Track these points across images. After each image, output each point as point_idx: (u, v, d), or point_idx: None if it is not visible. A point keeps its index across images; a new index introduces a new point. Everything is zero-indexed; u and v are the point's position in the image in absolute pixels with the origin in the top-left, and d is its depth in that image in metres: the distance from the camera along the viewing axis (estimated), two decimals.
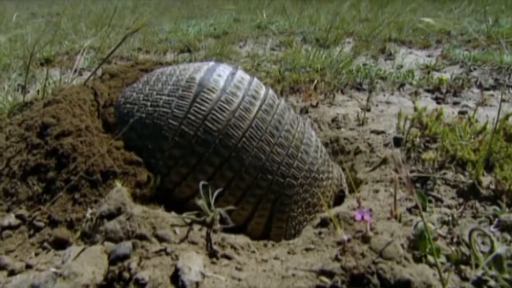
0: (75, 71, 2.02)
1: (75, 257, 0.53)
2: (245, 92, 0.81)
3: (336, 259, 0.58)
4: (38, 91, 1.54)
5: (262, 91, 0.84)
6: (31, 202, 0.76)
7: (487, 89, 1.87)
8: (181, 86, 0.79)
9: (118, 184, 0.70)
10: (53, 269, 0.51)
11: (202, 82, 0.79)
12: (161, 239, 0.62)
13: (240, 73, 0.84)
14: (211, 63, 0.87)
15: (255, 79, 0.85)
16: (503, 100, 1.69)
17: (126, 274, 0.53)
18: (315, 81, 1.79)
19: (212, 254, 0.64)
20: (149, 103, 0.80)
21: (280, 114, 0.84)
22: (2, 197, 0.76)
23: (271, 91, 0.86)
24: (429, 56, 2.68)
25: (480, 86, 1.90)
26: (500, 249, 0.55)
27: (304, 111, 1.51)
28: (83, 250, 0.56)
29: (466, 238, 0.61)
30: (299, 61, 2.28)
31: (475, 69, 2.22)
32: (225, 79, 0.81)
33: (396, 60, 2.47)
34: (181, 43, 3.37)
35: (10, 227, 0.69)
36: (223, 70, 0.83)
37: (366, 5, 5.04)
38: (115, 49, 1.21)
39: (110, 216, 0.62)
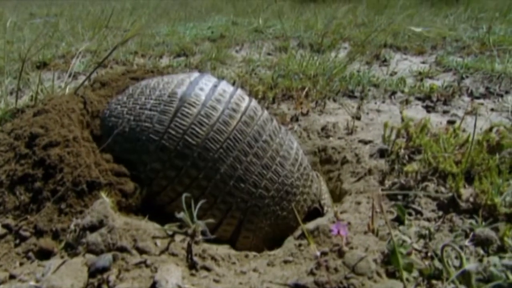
0: (70, 75, 2.04)
1: (55, 270, 0.55)
2: (225, 105, 0.82)
3: (311, 273, 0.59)
4: (31, 97, 1.55)
5: (244, 104, 0.85)
6: (18, 212, 0.77)
7: (478, 98, 1.89)
8: (163, 101, 0.81)
9: (103, 195, 0.72)
10: (32, 283, 0.52)
11: (184, 96, 0.81)
12: (141, 251, 0.63)
13: (222, 86, 0.86)
14: (195, 75, 0.88)
15: (238, 91, 0.87)
16: (492, 110, 1.71)
17: (104, 287, 0.55)
18: (306, 89, 1.80)
19: (191, 265, 0.65)
20: (132, 117, 0.81)
21: (260, 125, 0.85)
22: None
23: (253, 103, 0.87)
24: (423, 62, 2.70)
25: (470, 95, 1.92)
26: (469, 265, 0.57)
27: (294, 119, 1.52)
28: (63, 263, 0.57)
29: (439, 253, 0.62)
30: (292, 67, 2.30)
31: (467, 76, 2.24)
32: (207, 93, 0.83)
33: (390, 67, 2.49)
34: (177, 46, 3.38)
35: None
36: (206, 83, 0.85)
37: (363, 10, 5.07)
38: (106, 57, 1.23)
39: (92, 228, 0.64)
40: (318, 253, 0.59)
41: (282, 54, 2.88)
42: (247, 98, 0.87)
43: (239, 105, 0.84)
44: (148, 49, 3.47)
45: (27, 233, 0.73)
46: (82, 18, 5.66)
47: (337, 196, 1.07)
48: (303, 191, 0.90)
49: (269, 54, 3.16)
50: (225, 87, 0.86)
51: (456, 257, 0.64)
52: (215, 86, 0.85)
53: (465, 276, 0.56)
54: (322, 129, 1.40)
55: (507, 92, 1.93)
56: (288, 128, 1.41)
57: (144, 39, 3.76)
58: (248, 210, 0.83)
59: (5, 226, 0.76)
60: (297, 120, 1.50)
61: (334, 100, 1.81)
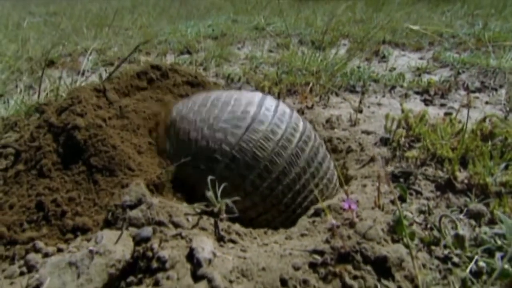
0: (79, 73, 2.11)
1: (107, 239, 0.63)
2: (287, 124, 0.90)
3: (327, 241, 0.68)
4: (51, 91, 1.62)
5: (301, 124, 0.94)
6: (59, 194, 0.86)
7: (473, 92, 1.98)
8: (236, 117, 0.89)
9: (138, 179, 0.80)
10: (91, 247, 0.61)
11: (254, 115, 0.89)
12: (176, 225, 0.72)
13: (282, 107, 0.94)
14: (259, 96, 0.95)
15: (295, 113, 0.95)
16: (486, 102, 1.80)
17: (149, 253, 0.63)
18: (311, 84, 1.89)
19: (219, 238, 0.74)
20: (206, 127, 0.89)
21: (316, 147, 0.94)
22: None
23: (308, 125, 0.96)
24: (421, 58, 2.79)
25: (466, 89, 2.01)
26: (461, 231, 0.66)
27: (300, 112, 1.61)
28: (112, 234, 0.66)
29: (437, 224, 0.71)
30: (295, 64, 2.38)
31: (463, 71, 2.33)
32: (272, 113, 0.90)
33: (389, 63, 2.58)
34: (180, 44, 3.46)
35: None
36: (270, 104, 0.93)
37: (362, 7, 5.15)
38: (131, 53, 1.31)
39: (132, 206, 0.72)
40: (334, 222, 0.68)
41: (284, 51, 2.96)
42: (302, 120, 0.95)
43: (298, 125, 0.92)
44: (151, 47, 3.54)
45: (68, 214, 0.82)
46: (82, 17, 5.71)
47: (344, 182, 1.15)
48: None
49: (270, 51, 3.23)
50: (284, 108, 0.94)
51: (452, 228, 0.73)
52: (277, 106, 0.93)
53: (459, 240, 0.65)
54: (327, 121, 1.48)
55: (501, 86, 2.03)
56: None
57: (146, 37, 3.83)
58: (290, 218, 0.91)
59: (45, 204, 0.84)
60: (302, 113, 1.59)
61: (337, 95, 1.89)
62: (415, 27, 2.79)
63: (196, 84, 1.27)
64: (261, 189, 0.86)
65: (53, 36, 3.97)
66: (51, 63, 2.93)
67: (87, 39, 3.78)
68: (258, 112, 0.90)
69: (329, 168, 0.96)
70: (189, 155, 0.89)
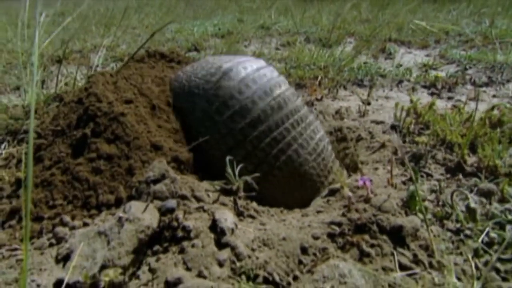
0: (91, 68, 2.15)
1: (135, 208, 0.67)
2: (259, 86, 0.91)
3: (343, 215, 0.71)
4: (66, 84, 1.67)
5: (278, 91, 0.93)
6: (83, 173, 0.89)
7: (480, 86, 2.00)
8: (210, 72, 0.95)
9: (160, 157, 0.83)
10: (120, 214, 0.64)
11: (226, 70, 0.93)
12: (198, 199, 0.75)
13: (265, 70, 0.95)
14: (251, 58, 1.00)
15: (278, 79, 0.95)
16: (494, 96, 1.82)
17: (174, 223, 0.67)
18: (319, 78, 1.92)
19: (239, 213, 0.77)
20: (187, 84, 0.98)
21: (285, 114, 0.91)
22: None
23: (288, 92, 0.94)
24: (427, 55, 2.81)
25: (473, 83, 2.03)
26: (473, 204, 0.69)
27: (310, 104, 1.64)
28: (139, 204, 0.69)
29: (449, 201, 0.74)
30: (303, 59, 2.41)
31: (470, 67, 2.35)
32: (247, 72, 0.93)
33: (396, 60, 2.60)
34: (188, 42, 3.50)
35: None
36: (251, 64, 0.95)
37: (367, 6, 5.17)
38: (143, 45, 1.34)
39: (156, 181, 0.75)
40: (350, 194, 0.71)
41: (291, 49, 2.99)
42: (284, 87, 0.95)
43: (272, 90, 0.92)
44: (159, 45, 3.59)
45: (92, 191, 0.85)
46: (90, 16, 5.78)
47: (354, 169, 1.18)
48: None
49: (277, 49, 3.27)
50: (268, 72, 0.95)
51: (463, 205, 0.75)
52: (258, 68, 0.95)
53: (470, 213, 0.68)
54: (336, 112, 1.51)
55: (508, 81, 2.04)
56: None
57: (154, 35, 3.87)
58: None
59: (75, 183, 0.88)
60: (312, 104, 1.62)
61: (345, 88, 1.92)
62: (422, 23, 2.81)
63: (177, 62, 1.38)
64: (234, 132, 0.89)
65: (63, 35, 4.03)
66: (64, 59, 2.99)
67: (95, 37, 3.84)
68: (230, 69, 0.93)
69: (302, 134, 0.93)
70: (178, 100, 0.99)
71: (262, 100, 0.91)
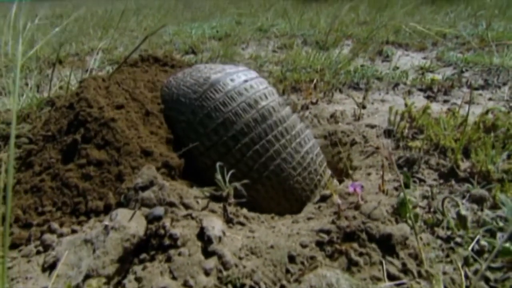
0: (87, 71, 2.15)
1: (121, 216, 0.66)
2: (244, 99, 0.90)
3: (333, 222, 0.70)
4: (60, 88, 1.66)
5: (263, 102, 0.91)
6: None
7: (476, 89, 1.99)
8: (198, 83, 0.95)
9: (149, 164, 0.83)
10: (106, 222, 0.63)
11: (213, 82, 0.93)
12: (187, 207, 0.74)
13: (253, 82, 0.94)
14: (237, 67, 0.99)
15: (267, 90, 0.94)
16: (490, 99, 1.82)
17: (161, 231, 0.66)
18: (315, 81, 1.91)
19: (228, 221, 0.76)
20: (176, 91, 0.98)
21: (269, 125, 0.90)
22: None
23: (274, 103, 0.93)
24: (424, 58, 2.81)
25: (469, 86, 2.03)
26: (464, 211, 0.68)
27: (305, 107, 1.63)
28: (126, 212, 0.68)
29: (441, 207, 0.73)
30: (300, 62, 2.41)
31: (466, 70, 2.35)
32: (234, 84, 0.92)
33: (393, 62, 2.60)
34: (185, 45, 3.50)
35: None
36: (239, 76, 0.95)
37: (365, 8, 5.18)
38: (136, 48, 1.34)
39: (144, 188, 0.75)
40: (339, 201, 0.70)
41: (288, 51, 2.99)
42: (270, 98, 0.93)
43: (257, 102, 0.91)
44: (157, 47, 3.59)
45: (81, 198, 0.85)
46: (87, 19, 5.79)
47: (348, 173, 1.17)
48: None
49: (274, 51, 3.27)
50: (255, 84, 0.94)
51: (455, 212, 0.75)
52: (245, 81, 0.94)
53: (461, 220, 0.67)
54: (331, 116, 1.50)
55: (504, 84, 2.04)
56: (300, 115, 1.51)
57: (151, 38, 3.88)
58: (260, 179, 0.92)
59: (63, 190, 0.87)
60: (307, 108, 1.61)
61: (341, 91, 1.92)
62: (419, 26, 2.81)
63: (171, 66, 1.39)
64: (217, 146, 0.89)
65: (60, 38, 4.03)
66: (59, 62, 2.98)
67: (93, 40, 3.84)
68: (218, 81, 0.93)
69: (287, 147, 0.92)
70: (167, 107, 0.99)
71: (246, 112, 0.90)
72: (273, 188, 0.91)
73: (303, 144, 0.95)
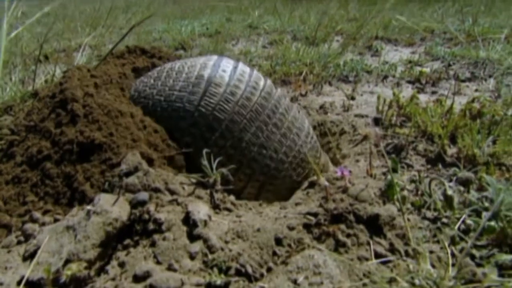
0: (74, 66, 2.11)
1: (104, 201, 0.64)
2: (246, 84, 0.92)
3: (320, 205, 0.70)
4: (46, 81, 1.63)
5: (261, 82, 0.96)
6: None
7: (463, 81, 2.02)
8: (191, 83, 0.91)
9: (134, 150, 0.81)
10: (89, 207, 0.62)
11: (210, 78, 0.91)
12: (172, 192, 0.73)
13: (241, 67, 0.96)
14: (214, 58, 0.97)
15: (255, 72, 0.97)
16: (476, 90, 1.84)
17: (146, 216, 0.64)
18: (304, 73, 1.91)
19: (215, 207, 0.75)
20: (162, 98, 0.91)
21: (277, 100, 0.95)
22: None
23: (269, 82, 0.98)
24: (413, 53, 2.83)
25: (456, 78, 2.05)
26: (450, 191, 0.68)
27: (294, 99, 1.63)
28: (109, 197, 0.67)
29: (428, 190, 0.73)
30: (289, 57, 2.41)
31: (454, 63, 2.38)
32: (229, 74, 0.93)
33: (382, 57, 2.61)
34: (175, 42, 3.47)
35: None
36: (227, 65, 0.95)
37: (354, 6, 5.20)
38: (122, 38, 1.32)
39: (128, 173, 0.73)
40: (326, 183, 0.70)
41: (278, 46, 2.98)
42: (263, 78, 0.97)
43: (258, 83, 0.94)
44: (146, 44, 3.54)
45: (64, 187, 0.82)
46: (76, 17, 5.70)
47: (337, 162, 1.17)
48: (314, 161, 1.00)
49: (264, 47, 3.26)
50: (244, 68, 0.96)
51: (442, 194, 0.75)
52: (235, 67, 0.95)
53: (448, 200, 0.67)
54: (320, 107, 1.50)
55: (490, 76, 2.07)
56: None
57: (141, 35, 3.84)
58: (269, 173, 0.93)
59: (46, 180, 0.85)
60: (296, 100, 1.61)
61: (330, 84, 1.92)
62: (407, 22, 2.83)
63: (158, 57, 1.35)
64: (225, 148, 0.88)
65: (46, 35, 3.96)
66: (45, 58, 2.93)
67: (81, 37, 3.78)
68: (213, 75, 0.92)
69: (296, 118, 0.97)
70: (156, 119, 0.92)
71: (253, 95, 0.92)
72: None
73: (304, 123, 0.99)
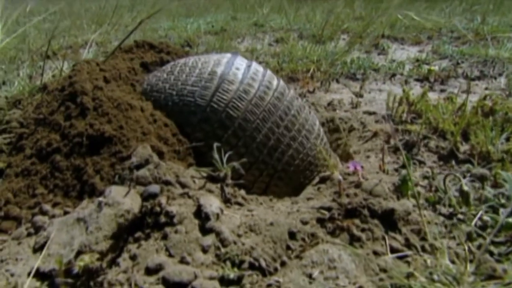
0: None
1: (115, 192, 0.64)
2: (260, 83, 0.92)
3: (333, 200, 0.69)
4: (53, 76, 1.63)
5: (275, 82, 0.95)
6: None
7: (473, 79, 1.99)
8: (204, 78, 0.90)
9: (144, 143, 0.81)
10: (100, 199, 0.61)
11: (223, 75, 0.90)
12: (183, 185, 0.72)
13: (255, 66, 0.95)
14: (228, 56, 0.97)
15: (268, 71, 0.96)
16: (486, 89, 1.82)
17: (157, 208, 0.64)
18: (312, 70, 1.90)
19: (226, 200, 0.74)
20: (174, 93, 0.91)
21: (289, 101, 0.95)
22: None
23: (282, 82, 0.97)
24: (420, 51, 2.81)
25: (466, 77, 2.02)
26: (466, 187, 0.67)
27: (302, 96, 1.62)
28: (121, 189, 0.66)
29: (442, 185, 0.72)
30: (296, 54, 2.39)
31: (462, 62, 2.35)
32: (243, 72, 0.92)
33: (389, 55, 2.59)
34: (181, 39, 3.46)
35: None
36: (240, 63, 0.94)
37: (360, 4, 5.18)
38: (129, 34, 1.31)
39: (139, 166, 0.73)
40: (340, 178, 0.69)
41: (284, 44, 2.97)
42: (276, 78, 0.96)
43: (271, 83, 0.94)
44: (152, 40, 3.54)
45: (74, 179, 0.82)
46: (82, 14, 5.72)
47: (346, 159, 1.16)
48: (323, 164, 0.99)
49: (270, 45, 3.24)
50: (257, 67, 0.95)
51: (456, 190, 0.74)
52: (249, 66, 0.94)
53: (463, 196, 0.66)
54: (329, 104, 1.49)
55: (500, 75, 2.04)
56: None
57: (146, 32, 3.84)
58: (275, 175, 0.92)
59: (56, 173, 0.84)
60: (304, 96, 1.60)
61: (338, 81, 1.91)
62: (415, 17, 2.80)
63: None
64: (237, 147, 0.87)
65: (53, 31, 3.98)
66: (52, 54, 2.93)
67: (87, 34, 3.79)
68: (226, 72, 0.91)
69: (307, 120, 0.96)
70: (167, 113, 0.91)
71: (267, 95, 0.91)
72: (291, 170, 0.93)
73: (315, 125, 0.98)
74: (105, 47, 3.12)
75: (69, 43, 3.32)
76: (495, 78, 2.00)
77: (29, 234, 0.72)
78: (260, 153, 0.90)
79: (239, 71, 0.93)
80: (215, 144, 0.80)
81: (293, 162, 0.93)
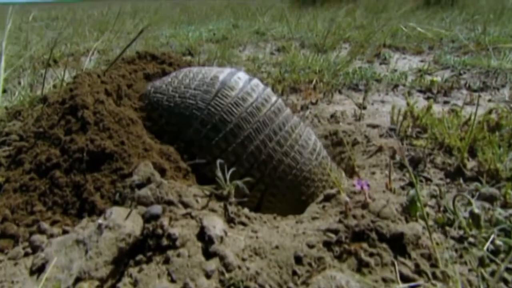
0: (82, 70, 2.10)
1: (116, 214, 0.62)
2: (259, 94, 0.93)
3: (340, 221, 0.67)
4: (54, 86, 1.62)
5: (274, 98, 0.96)
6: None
7: (475, 91, 1.98)
8: (206, 83, 0.92)
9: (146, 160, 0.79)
10: (100, 221, 0.59)
11: (224, 81, 0.92)
12: (186, 205, 0.70)
13: (256, 81, 0.97)
14: (232, 69, 1.00)
15: (269, 88, 0.97)
16: (489, 100, 1.81)
17: (159, 231, 0.62)
18: (314, 81, 1.89)
19: (229, 220, 0.73)
20: (177, 95, 0.92)
21: (285, 118, 0.95)
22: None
23: (280, 100, 0.98)
24: (421, 61, 2.81)
25: (468, 88, 2.02)
26: (477, 210, 0.65)
27: (304, 107, 1.60)
28: (121, 210, 0.64)
29: (451, 206, 0.70)
30: (298, 64, 2.39)
31: (464, 72, 2.35)
32: (244, 81, 0.94)
33: (391, 65, 2.59)
34: (182, 47, 3.47)
35: None
36: (243, 75, 0.97)
37: (361, 13, 5.20)
38: (130, 44, 1.30)
39: (141, 185, 0.71)
40: (347, 199, 0.67)
41: (286, 53, 2.97)
42: (276, 96, 0.97)
43: (270, 97, 0.94)
44: (153, 49, 3.55)
45: (73, 197, 0.80)
46: (84, 21, 5.75)
47: (351, 174, 1.14)
48: (321, 179, 0.97)
49: (272, 53, 3.25)
50: (258, 82, 0.97)
51: (465, 210, 0.72)
52: (250, 79, 0.96)
53: (474, 219, 0.64)
54: (332, 116, 1.48)
55: (503, 86, 2.03)
56: (300, 115, 1.49)
57: (148, 40, 3.85)
58: (267, 191, 0.91)
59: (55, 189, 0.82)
60: (307, 108, 1.59)
61: (340, 92, 1.89)
62: (417, 27, 2.81)
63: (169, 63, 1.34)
64: (227, 153, 0.87)
65: (55, 39, 3.99)
66: (53, 62, 2.93)
67: (89, 41, 3.79)
68: (228, 79, 0.93)
69: (301, 135, 0.96)
70: (164, 122, 0.92)
71: (264, 106, 0.92)
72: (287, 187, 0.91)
73: (309, 139, 0.96)
74: (107, 55, 3.12)
75: (71, 51, 3.32)
76: (498, 90, 1.99)
77: (26, 254, 0.70)
78: (250, 166, 0.89)
79: (240, 80, 0.95)
80: (218, 161, 0.79)
81: (286, 177, 0.92)
